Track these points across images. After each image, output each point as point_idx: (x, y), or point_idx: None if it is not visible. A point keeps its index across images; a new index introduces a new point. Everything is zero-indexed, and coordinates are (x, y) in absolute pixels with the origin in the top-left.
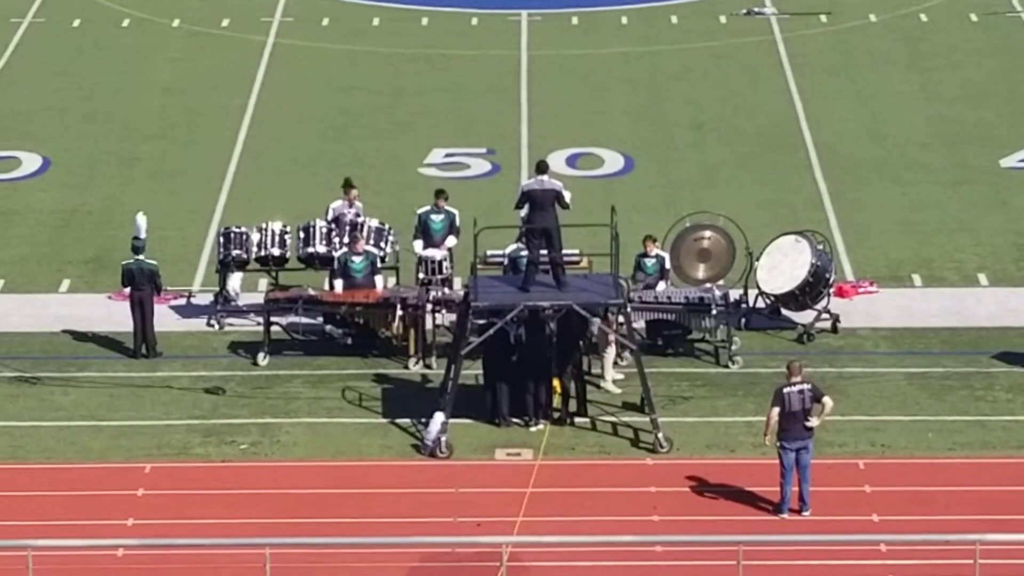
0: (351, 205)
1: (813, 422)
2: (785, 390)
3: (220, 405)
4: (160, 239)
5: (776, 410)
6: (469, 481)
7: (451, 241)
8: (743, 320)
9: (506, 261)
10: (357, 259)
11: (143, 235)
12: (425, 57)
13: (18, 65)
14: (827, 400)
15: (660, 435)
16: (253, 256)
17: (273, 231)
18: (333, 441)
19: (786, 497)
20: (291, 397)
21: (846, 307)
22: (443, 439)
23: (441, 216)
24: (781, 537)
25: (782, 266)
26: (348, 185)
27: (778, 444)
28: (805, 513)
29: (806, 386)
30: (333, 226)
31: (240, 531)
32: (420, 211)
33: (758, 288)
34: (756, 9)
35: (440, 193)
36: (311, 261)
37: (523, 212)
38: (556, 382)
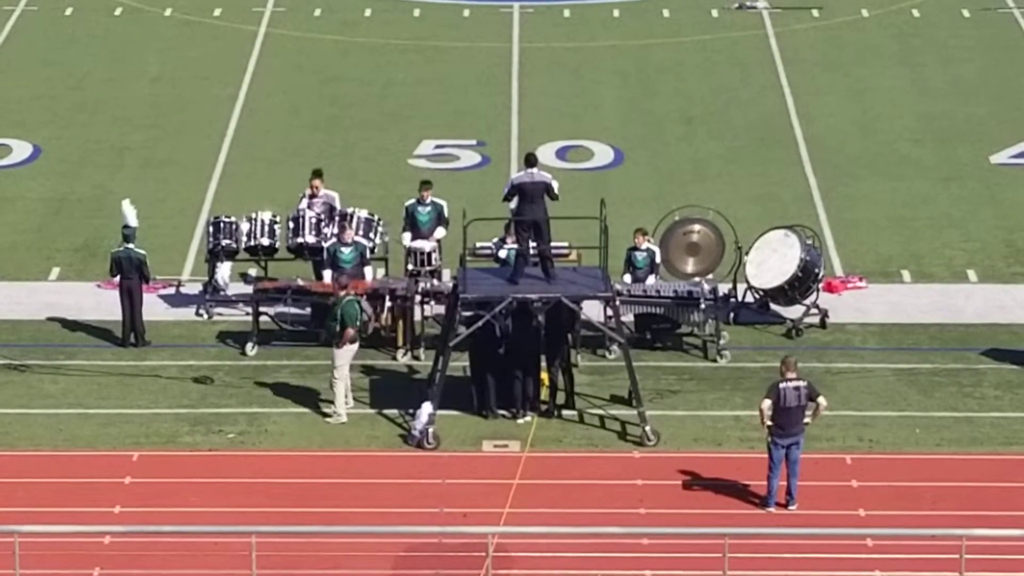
0: (314, 196)
1: (807, 420)
2: (781, 385)
3: (208, 394)
4: (150, 228)
5: (768, 402)
6: (456, 472)
7: (440, 232)
8: (732, 314)
9: (493, 249)
10: (346, 250)
11: (132, 223)
12: (416, 49)
13: (10, 53)
14: (822, 400)
15: (647, 428)
16: (243, 246)
17: (263, 221)
18: (320, 431)
19: (773, 491)
20: (279, 387)
21: (835, 302)
22: (431, 430)
23: (428, 208)
24: (767, 530)
25: (771, 261)
26: (312, 175)
27: (769, 439)
28: (792, 507)
29: (802, 383)
30: (317, 214)
31: (227, 519)
32: (407, 203)
33: (747, 282)
34: (748, 3)
35: (425, 184)
36: (300, 251)
37: (511, 204)
38: (544, 374)
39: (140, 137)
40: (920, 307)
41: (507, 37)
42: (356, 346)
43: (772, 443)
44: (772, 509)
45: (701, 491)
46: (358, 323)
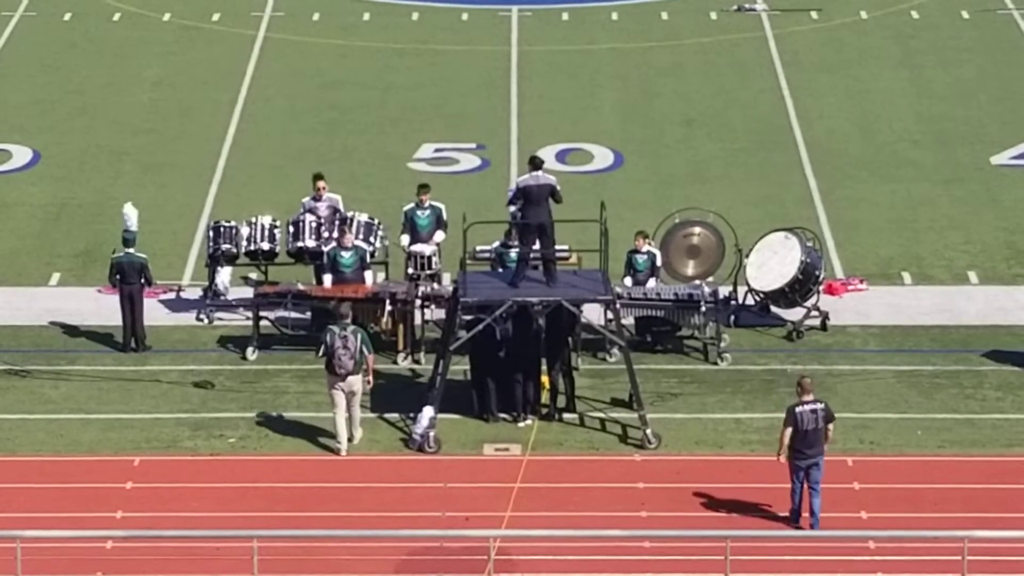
0: (318, 199)
1: (825, 448)
2: (798, 409)
3: (209, 399)
4: (150, 233)
5: (789, 430)
6: (457, 476)
7: (439, 236)
8: (732, 317)
9: (493, 255)
10: (346, 254)
11: (134, 227)
12: (415, 52)
13: (9, 58)
14: (831, 426)
15: (648, 431)
16: (243, 250)
17: (263, 225)
18: (322, 435)
19: (797, 509)
20: (280, 391)
21: (836, 304)
22: (432, 434)
23: (427, 212)
24: (769, 533)
25: (771, 263)
26: (315, 178)
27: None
28: (816, 527)
29: (819, 405)
30: (318, 218)
31: (228, 524)
32: (406, 208)
33: (747, 285)
34: (747, 5)
35: (423, 188)
36: (300, 255)
37: (513, 208)
38: (545, 378)
39: (140, 142)
40: (921, 309)
41: (506, 40)
42: (346, 379)
43: (792, 465)
44: (799, 526)
45: (702, 494)
46: (318, 354)
